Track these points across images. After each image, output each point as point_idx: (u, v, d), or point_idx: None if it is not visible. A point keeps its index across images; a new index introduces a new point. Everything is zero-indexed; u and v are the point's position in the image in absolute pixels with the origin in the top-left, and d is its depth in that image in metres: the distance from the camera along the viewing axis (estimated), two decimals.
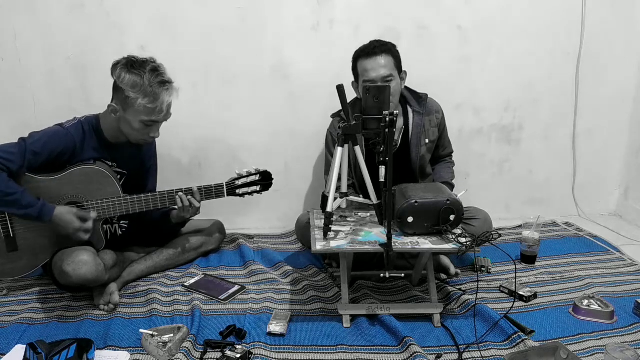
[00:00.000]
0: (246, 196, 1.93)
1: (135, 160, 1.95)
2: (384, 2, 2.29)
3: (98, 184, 1.77)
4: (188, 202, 1.86)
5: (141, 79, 1.67)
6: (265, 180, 1.93)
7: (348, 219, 1.80)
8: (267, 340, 1.56)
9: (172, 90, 1.74)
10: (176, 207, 1.88)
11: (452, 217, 1.61)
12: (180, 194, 1.85)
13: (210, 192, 1.89)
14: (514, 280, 1.76)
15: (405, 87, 2.05)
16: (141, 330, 1.55)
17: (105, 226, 1.89)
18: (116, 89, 1.73)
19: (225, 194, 1.91)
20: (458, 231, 1.63)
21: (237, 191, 1.91)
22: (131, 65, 1.69)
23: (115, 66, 1.71)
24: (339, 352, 1.51)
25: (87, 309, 1.74)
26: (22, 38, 2.20)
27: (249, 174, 1.91)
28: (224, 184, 1.90)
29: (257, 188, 1.93)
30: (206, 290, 1.87)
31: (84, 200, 1.77)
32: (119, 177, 1.87)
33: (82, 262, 1.66)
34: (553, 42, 2.43)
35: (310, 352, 1.51)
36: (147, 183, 2.04)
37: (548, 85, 2.49)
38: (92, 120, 1.82)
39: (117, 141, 1.84)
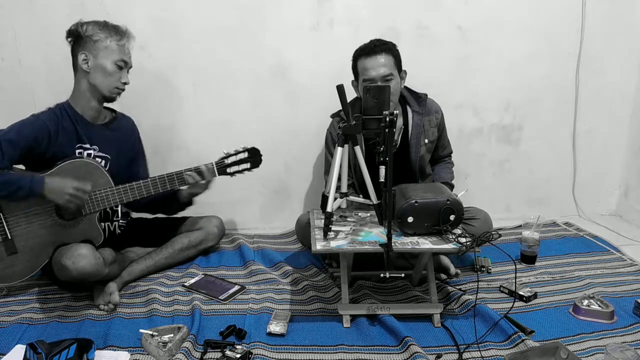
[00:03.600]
0: (237, 174, 1.93)
1: (115, 143, 1.94)
2: (384, 2, 2.29)
3: (89, 176, 1.77)
4: (199, 177, 1.89)
5: (104, 23, 1.80)
6: (253, 157, 1.92)
7: (348, 219, 1.80)
8: (267, 340, 1.56)
9: (130, 33, 1.85)
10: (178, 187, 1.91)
11: (452, 217, 1.61)
12: (190, 172, 1.88)
13: (200, 174, 1.90)
14: (514, 280, 1.76)
15: (405, 87, 2.05)
16: (141, 330, 1.55)
17: (103, 224, 1.89)
18: (82, 40, 1.79)
19: (216, 173, 1.90)
20: (458, 231, 1.63)
21: (228, 170, 1.91)
22: (87, 20, 1.80)
23: (70, 30, 1.81)
24: (339, 352, 1.51)
25: (87, 309, 1.74)
26: (22, 38, 2.20)
27: (237, 152, 1.91)
28: (214, 163, 1.90)
29: (247, 165, 1.93)
30: (206, 290, 1.87)
31: None
32: (102, 162, 1.87)
33: (81, 256, 1.66)
34: (553, 42, 2.43)
35: (310, 352, 1.51)
36: (138, 170, 2.04)
37: (548, 85, 2.49)
38: (63, 104, 1.85)
39: (92, 117, 1.86)
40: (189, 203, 2.08)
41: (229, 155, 1.91)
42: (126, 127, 2.01)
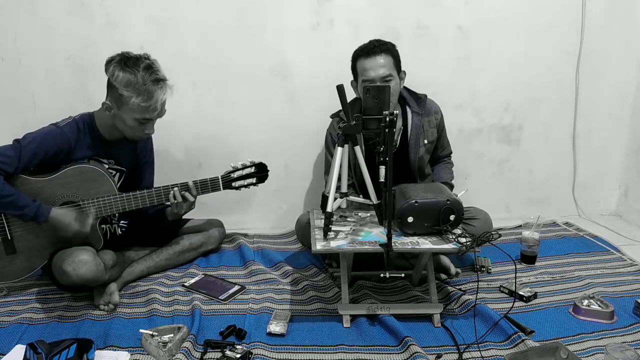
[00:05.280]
0: (242, 189, 1.91)
1: (132, 157, 1.94)
2: (384, 2, 2.29)
3: (93, 183, 1.76)
4: (181, 197, 1.83)
5: (135, 77, 1.65)
6: (260, 172, 1.91)
7: (348, 219, 1.80)
8: (267, 340, 1.56)
9: (166, 87, 1.73)
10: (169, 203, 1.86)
11: (452, 217, 1.61)
12: (175, 189, 1.83)
13: (206, 186, 1.87)
14: (514, 280, 1.76)
15: (404, 88, 2.05)
16: (141, 330, 1.55)
17: (104, 226, 1.89)
18: (110, 86, 1.71)
19: (221, 187, 1.89)
20: (458, 231, 1.63)
21: (233, 184, 1.89)
22: (125, 62, 1.68)
23: (108, 63, 1.70)
24: (339, 352, 1.51)
25: (87, 309, 1.74)
26: (22, 38, 2.20)
27: (244, 167, 1.90)
28: (219, 177, 1.88)
29: (253, 180, 1.91)
30: (206, 290, 1.87)
31: (79, 199, 1.76)
32: (117, 174, 1.86)
33: (82, 262, 1.66)
34: (553, 42, 2.43)
35: (310, 352, 1.51)
36: (143, 178, 2.02)
37: (548, 85, 2.49)
38: (86, 118, 1.81)
39: (113, 138, 1.83)
40: (177, 221, 2.01)
41: (235, 170, 1.89)
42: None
